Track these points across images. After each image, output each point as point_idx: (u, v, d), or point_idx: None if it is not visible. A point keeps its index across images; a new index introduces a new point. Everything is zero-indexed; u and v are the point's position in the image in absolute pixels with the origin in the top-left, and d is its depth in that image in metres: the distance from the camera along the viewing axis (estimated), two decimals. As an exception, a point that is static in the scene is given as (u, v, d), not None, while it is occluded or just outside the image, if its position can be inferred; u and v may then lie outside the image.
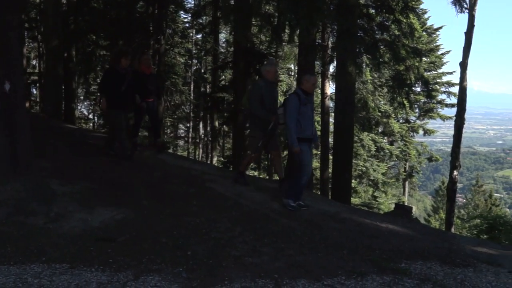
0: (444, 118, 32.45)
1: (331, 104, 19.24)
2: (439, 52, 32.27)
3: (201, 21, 24.95)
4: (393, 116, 29.52)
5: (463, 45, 15.26)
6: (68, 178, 7.75)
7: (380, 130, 29.99)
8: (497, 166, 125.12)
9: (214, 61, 23.42)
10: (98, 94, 9.76)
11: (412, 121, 33.46)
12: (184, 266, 5.19)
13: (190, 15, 24.03)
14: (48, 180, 7.52)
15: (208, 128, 27.75)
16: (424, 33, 26.61)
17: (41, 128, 10.82)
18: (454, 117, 15.91)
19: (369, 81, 23.18)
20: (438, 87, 31.85)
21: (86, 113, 30.94)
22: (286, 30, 12.67)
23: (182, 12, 24.09)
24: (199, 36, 27.16)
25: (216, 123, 24.82)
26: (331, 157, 16.77)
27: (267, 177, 22.71)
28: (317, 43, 13.86)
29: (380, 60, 12.98)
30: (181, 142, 33.67)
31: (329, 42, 16.49)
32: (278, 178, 8.85)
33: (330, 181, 15.68)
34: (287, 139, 7.60)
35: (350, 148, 13.27)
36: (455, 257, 6.26)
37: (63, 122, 13.95)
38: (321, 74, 18.18)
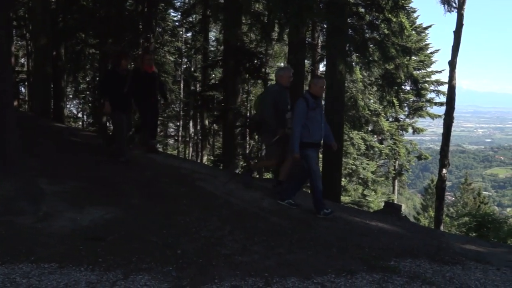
0: (433, 116, 32.63)
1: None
2: (428, 51, 32.41)
3: (190, 19, 24.94)
4: (383, 114, 29.60)
5: (452, 44, 15.34)
6: (57, 177, 7.71)
7: (369, 129, 30.06)
8: (486, 164, 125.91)
9: (204, 60, 23.41)
10: (99, 97, 9.63)
11: (401, 119, 33.59)
12: (174, 265, 5.18)
13: (179, 13, 24.00)
14: (37, 179, 7.47)
15: (198, 127, 27.71)
16: (413, 32, 26.73)
17: (30, 127, 10.74)
18: (443, 116, 15.99)
19: (359, 79, 23.24)
20: (427, 85, 32.00)
21: (75, 112, 30.79)
22: (276, 29, 12.68)
23: (171, 10, 24.05)
24: (189, 34, 27.13)
25: (206, 122, 24.80)
26: (321, 155, 16.80)
27: (257, 176, 22.71)
28: (307, 42, 13.88)
29: (370, 58, 13.02)
30: (171, 141, 33.58)
31: (319, 41, 16.52)
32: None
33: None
34: (304, 141, 7.39)
35: (340, 147, 13.29)
36: (444, 255, 6.30)
37: (52, 120, 13.85)
38: (310, 73, 18.19)
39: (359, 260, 5.80)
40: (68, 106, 27.91)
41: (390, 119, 32.85)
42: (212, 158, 26.29)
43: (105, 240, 5.70)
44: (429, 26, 32.99)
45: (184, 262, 5.28)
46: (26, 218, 6.16)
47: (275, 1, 9.61)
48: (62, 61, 17.59)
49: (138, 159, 9.62)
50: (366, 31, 13.07)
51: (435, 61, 32.90)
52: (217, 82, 22.65)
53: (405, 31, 13.59)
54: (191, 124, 29.20)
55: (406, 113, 33.41)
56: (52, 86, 15.56)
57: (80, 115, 30.90)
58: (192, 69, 28.64)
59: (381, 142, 31.70)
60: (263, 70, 19.85)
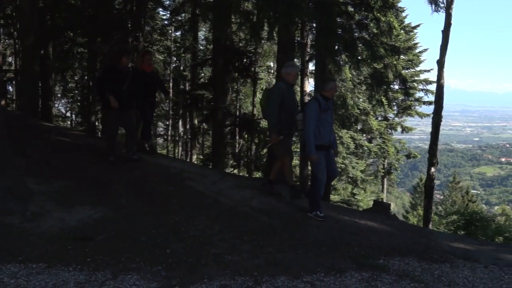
0: (422, 115, 32.79)
1: (310, 101, 19.26)
2: (417, 50, 32.56)
3: (180, 18, 24.86)
4: (372, 113, 29.70)
5: (440, 43, 15.42)
6: (45, 176, 7.67)
7: (359, 128, 30.14)
8: (474, 163, 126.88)
9: (193, 59, 23.35)
10: (99, 94, 9.43)
11: (390, 118, 33.71)
12: (163, 265, 5.17)
13: (169, 12, 23.91)
14: (25, 178, 7.43)
15: (188, 126, 27.63)
16: (402, 31, 26.82)
17: (18, 126, 10.65)
18: (432, 115, 16.07)
19: (348, 78, 23.27)
20: (416, 85, 32.16)
21: (63, 111, 30.61)
22: (265, 28, 12.66)
23: (160, 9, 24.00)
24: (178, 33, 27.07)
25: (196, 121, 24.73)
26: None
27: (247, 175, 22.71)
28: (296, 41, 13.87)
29: (359, 58, 13.04)
30: (160, 140, 33.50)
31: (308, 40, 16.52)
32: (268, 176, 8.58)
33: (310, 178, 15.70)
34: (305, 145, 7.32)
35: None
36: (432, 253, 6.34)
37: (40, 120, 13.75)
38: (300, 72, 18.19)
39: (349, 258, 5.82)
40: (56, 105, 27.72)
41: (379, 118, 32.96)
42: (201, 157, 26.25)
43: (94, 239, 5.68)
44: (418, 26, 33.17)
45: (174, 262, 5.27)
46: (14, 218, 6.12)
47: (264, 0, 9.60)
48: (50, 60, 17.48)
49: (126, 158, 9.57)
50: (355, 30, 13.10)
51: (424, 60, 33.09)
52: (206, 81, 22.58)
53: (393, 30, 13.62)
54: (180, 123, 29.13)
55: (395, 112, 33.54)
56: (40, 85, 15.45)
57: (68, 114, 30.74)
58: (181, 68, 28.57)
59: (370, 141, 31.80)
60: (253, 69, 19.81)
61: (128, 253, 5.38)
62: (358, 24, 13.11)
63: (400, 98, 31.64)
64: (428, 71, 32.95)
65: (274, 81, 22.56)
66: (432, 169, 15.40)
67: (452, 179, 40.63)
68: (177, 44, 27.00)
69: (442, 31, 15.29)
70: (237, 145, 26.24)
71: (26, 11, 12.86)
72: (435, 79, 16.22)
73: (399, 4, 27.59)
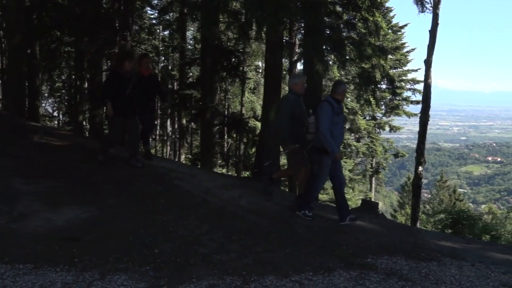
0: (409, 115, 32.98)
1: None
2: (405, 50, 32.74)
3: (168, 17, 24.79)
4: (360, 113, 29.87)
5: (427, 43, 15.51)
6: (32, 176, 7.62)
7: (347, 127, 30.27)
8: (461, 161, 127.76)
9: (181, 58, 23.29)
10: (102, 100, 9.29)
11: (378, 118, 33.89)
12: (152, 265, 5.15)
13: (156, 11, 23.82)
14: (12, 178, 7.38)
15: (176, 126, 27.58)
16: (389, 31, 26.94)
17: (4, 126, 10.58)
18: (419, 114, 16.16)
19: (336, 78, 23.35)
20: (403, 84, 32.35)
21: (50, 111, 30.42)
22: (254, 27, 12.67)
23: (148, 8, 23.93)
24: (166, 32, 27.01)
25: (184, 121, 24.69)
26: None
27: (235, 174, 22.71)
28: (284, 41, 13.90)
29: (347, 57, 13.08)
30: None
31: (297, 40, 16.56)
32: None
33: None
34: (319, 148, 7.22)
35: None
36: (420, 252, 6.39)
37: (27, 119, 13.65)
38: (288, 71, 18.23)
39: (337, 257, 5.84)
40: (43, 104, 27.55)
41: (367, 118, 33.12)
42: (190, 157, 26.21)
43: (82, 240, 5.65)
44: (405, 25, 33.35)
45: (162, 262, 5.25)
46: (0, 218, 6.08)
47: (251, 0, 9.60)
48: (37, 59, 17.35)
49: (114, 158, 9.54)
50: (343, 30, 13.14)
51: (411, 60, 33.28)
52: (194, 80, 22.56)
53: (381, 30, 13.68)
54: (168, 122, 29.07)
55: (383, 111, 33.74)
56: (26, 84, 15.34)
57: (55, 113, 30.55)
58: (170, 68, 28.50)
59: (358, 140, 31.97)
60: (241, 68, 19.84)
61: (116, 253, 5.36)
62: (346, 24, 13.15)
63: (388, 98, 31.85)
64: (416, 70, 33.18)
65: (262, 80, 22.57)
66: (420, 168, 15.49)
67: (440, 178, 40.87)
68: (165, 44, 26.94)
69: (430, 31, 15.38)
70: (225, 145, 26.23)
71: (12, 10, 12.77)
72: (422, 78, 16.32)
73: (387, 4, 27.77)
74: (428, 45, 15.47)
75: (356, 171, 32.93)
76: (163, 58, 27.70)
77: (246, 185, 9.20)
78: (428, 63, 15.47)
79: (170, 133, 28.90)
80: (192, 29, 27.37)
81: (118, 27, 16.73)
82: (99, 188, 7.60)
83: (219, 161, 24.71)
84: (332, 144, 7.03)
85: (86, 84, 21.54)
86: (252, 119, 23.78)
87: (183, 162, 22.44)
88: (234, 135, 24.09)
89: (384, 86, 28.64)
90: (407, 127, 48.13)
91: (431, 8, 14.87)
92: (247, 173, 23.87)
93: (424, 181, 20.29)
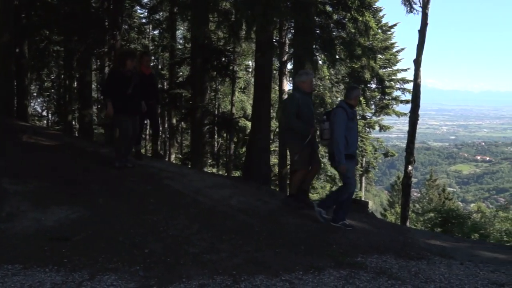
0: (399, 114, 33.09)
1: (288, 100, 19.30)
2: (394, 50, 32.86)
3: (157, 16, 24.72)
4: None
5: (416, 42, 15.57)
6: (21, 176, 7.56)
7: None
8: (450, 161, 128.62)
9: (171, 57, 23.25)
10: (102, 98, 9.12)
11: (368, 117, 33.97)
12: (141, 265, 5.14)
13: (146, 10, 23.75)
14: None
15: (166, 125, 27.50)
16: (379, 30, 27.05)
17: (-8, 125, 10.51)
18: (409, 113, 16.21)
19: (326, 77, 23.41)
20: (393, 84, 32.46)
21: (39, 110, 30.23)
22: (243, 27, 12.67)
23: (138, 7, 23.83)
24: (156, 32, 26.92)
25: (174, 120, 24.64)
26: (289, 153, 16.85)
27: (226, 174, 22.69)
28: (274, 40, 13.90)
29: (337, 57, 13.11)
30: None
31: (287, 39, 16.57)
32: (290, 191, 8.25)
33: (289, 177, 15.75)
34: (334, 154, 7.06)
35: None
36: (409, 250, 6.42)
37: (16, 119, 13.56)
38: (278, 71, 18.25)
39: (327, 256, 5.85)
40: (32, 104, 27.40)
41: (357, 117, 33.17)
42: (180, 156, 26.16)
43: (71, 240, 5.63)
44: (395, 25, 33.45)
45: (152, 262, 5.24)
46: (-11, 219, 6.03)
47: (241, 0, 9.59)
48: (25, 59, 17.21)
49: (103, 157, 9.50)
50: (333, 29, 13.17)
51: (401, 59, 33.39)
52: (184, 80, 22.51)
53: (371, 30, 13.73)
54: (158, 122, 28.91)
55: (373, 111, 33.82)
56: (15, 84, 15.22)
57: (44, 113, 30.36)
58: (160, 67, 28.42)
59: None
60: (231, 68, 19.83)
61: (106, 253, 5.34)
62: (336, 24, 13.19)
63: (378, 97, 31.96)
64: (405, 70, 33.29)
65: (252, 80, 22.59)
66: (409, 167, 15.56)
67: (429, 177, 41.07)
68: (155, 43, 26.84)
69: (419, 30, 15.44)
70: (216, 144, 26.21)
71: (0, 8, 12.67)
72: (412, 78, 16.41)
73: (377, 4, 27.88)
74: (418, 45, 15.53)
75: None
76: (153, 57, 27.59)
77: (237, 184, 9.20)
78: (417, 62, 15.53)
79: (160, 132, 28.79)
80: (182, 28, 27.32)
81: (107, 26, 16.68)
82: (89, 188, 7.55)
83: (210, 161, 24.69)
84: (341, 155, 6.91)
85: (75, 83, 21.45)
86: (242, 118, 23.80)
87: (173, 161, 22.40)
88: (224, 135, 24.08)
89: (374, 86, 28.80)
90: (396, 126, 48.33)
91: (420, 8, 14.93)
92: (238, 172, 23.88)
93: (414, 180, 20.41)
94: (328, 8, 13.44)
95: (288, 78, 18.56)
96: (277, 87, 19.62)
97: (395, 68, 32.98)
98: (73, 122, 22.62)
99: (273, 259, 5.63)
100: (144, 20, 25.77)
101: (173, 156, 25.55)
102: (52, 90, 27.46)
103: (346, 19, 13.14)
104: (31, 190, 7.10)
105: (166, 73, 26.60)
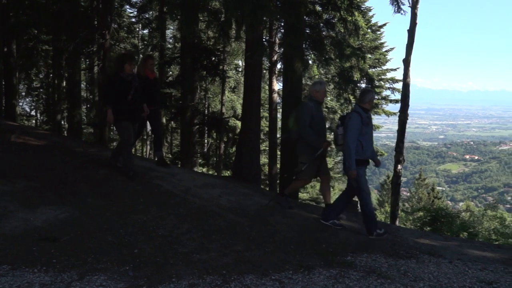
0: (388, 113, 33.14)
1: (278, 100, 19.35)
2: (384, 49, 32.91)
3: (147, 16, 24.64)
4: (340, 112, 29.94)
5: (406, 42, 15.62)
6: (8, 176, 7.50)
7: (327, 126, 30.35)
8: (439, 160, 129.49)
9: (161, 57, 23.16)
10: (102, 105, 8.88)
11: (358, 117, 34.00)
12: (131, 265, 5.12)
13: (136, 9, 23.67)
14: (-13, 179, 7.26)
15: (156, 125, 27.40)
16: (369, 30, 27.11)
17: (-20, 125, 10.43)
18: (398, 113, 16.27)
19: (316, 77, 23.44)
20: (382, 83, 32.51)
21: (28, 110, 30.04)
22: (233, 26, 12.66)
23: (127, 6, 23.74)
24: (146, 31, 26.81)
25: (164, 119, 24.58)
26: (279, 153, 16.89)
27: (215, 173, 22.68)
28: (264, 40, 13.89)
29: (326, 56, 13.13)
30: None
31: (277, 39, 16.57)
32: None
33: (279, 176, 15.79)
34: (345, 159, 7.04)
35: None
36: (398, 249, 6.45)
37: (4, 119, 13.49)
38: (268, 71, 18.26)
39: (317, 256, 5.86)
40: (20, 104, 27.19)
41: (347, 117, 33.22)
42: (170, 156, 26.10)
43: (60, 240, 5.59)
44: (384, 25, 33.52)
45: (141, 262, 5.22)
46: (-24, 220, 5.98)
47: (230, 0, 9.57)
48: (13, 58, 17.12)
49: (92, 157, 9.46)
50: (323, 29, 13.19)
51: (390, 59, 33.44)
52: (174, 79, 22.46)
53: (360, 30, 13.76)
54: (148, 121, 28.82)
55: (363, 110, 33.86)
56: (3, 83, 15.15)
57: (33, 113, 30.17)
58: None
59: (338, 139, 32.00)
60: (221, 67, 19.80)
61: (95, 253, 5.31)
62: (326, 24, 13.20)
63: (367, 97, 31.98)
64: (395, 69, 33.30)
65: (242, 79, 22.58)
66: (399, 167, 15.61)
67: (418, 176, 41.27)
68: (145, 42, 26.76)
69: (408, 30, 15.49)
70: (206, 144, 26.17)
71: (-12, 7, 12.58)
72: (401, 77, 16.43)
73: (366, 4, 27.97)
74: (407, 45, 15.58)
75: (336, 169, 33.07)
76: (142, 56, 27.51)
77: (226, 184, 9.20)
78: (406, 62, 15.59)
79: (150, 132, 28.71)
80: (172, 27, 27.26)
81: (96, 25, 16.59)
82: (77, 188, 7.52)
83: (199, 160, 24.67)
84: (352, 160, 6.83)
85: (64, 83, 21.34)
86: (232, 118, 23.79)
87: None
88: (214, 134, 24.06)
89: (363, 85, 28.82)
90: (386, 126, 48.54)
91: (408, 8, 14.98)
92: (228, 172, 23.86)
93: (403, 179, 20.48)
94: (318, 8, 13.45)
95: (277, 77, 18.58)
96: (267, 87, 19.64)
97: (384, 67, 33.02)
98: (62, 122, 22.50)
99: (263, 258, 5.63)
100: (133, 19, 25.67)
101: (163, 156, 25.49)
102: (41, 90, 27.30)
103: (336, 19, 13.15)
104: (19, 190, 7.05)
105: (156, 72, 26.47)
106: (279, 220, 7.20)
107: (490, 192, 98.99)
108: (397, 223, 15.47)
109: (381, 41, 33.07)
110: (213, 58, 17.32)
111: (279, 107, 18.62)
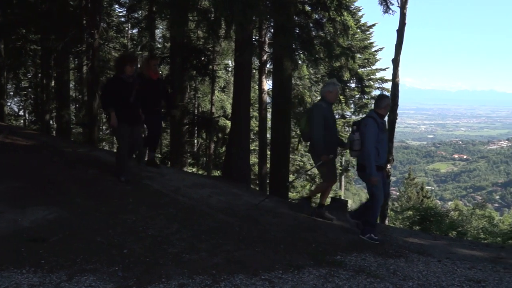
0: (378, 113, 33.28)
1: (268, 99, 19.36)
2: (373, 49, 33.06)
3: (136, 15, 24.54)
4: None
5: (395, 42, 15.70)
6: (-3, 177, 7.45)
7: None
8: (428, 159, 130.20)
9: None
10: (103, 109, 8.71)
11: (347, 116, 34.12)
12: (120, 265, 5.10)
13: (125, 9, 23.55)
14: (-25, 179, 7.20)
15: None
16: (358, 30, 27.21)
17: (-33, 125, 10.34)
18: (387, 113, 16.32)
19: (305, 77, 23.48)
20: (372, 83, 32.64)
21: (16, 110, 29.83)
22: (223, 26, 12.66)
23: (117, 5, 23.60)
24: (135, 31, 26.69)
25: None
26: (269, 152, 16.90)
27: (205, 173, 22.64)
28: (254, 39, 13.89)
29: (316, 56, 13.16)
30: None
31: (266, 38, 16.57)
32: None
33: (269, 176, 15.80)
34: (364, 166, 6.92)
35: (287, 143, 13.40)
36: (388, 248, 6.48)
37: (-8, 119, 13.39)
38: (258, 70, 18.26)
39: (306, 255, 5.87)
40: (8, 103, 26.98)
41: (337, 116, 33.32)
42: (159, 156, 26.02)
43: (48, 241, 5.56)
44: (373, 25, 33.68)
45: (131, 262, 5.20)
46: (-36, 220, 5.93)
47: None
48: (1, 57, 17.01)
49: (81, 157, 9.42)
50: (312, 29, 13.21)
51: (379, 59, 33.61)
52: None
53: (349, 30, 13.80)
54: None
55: (352, 110, 33.97)
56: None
57: (21, 113, 29.96)
58: (138, 66, 28.19)
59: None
60: (211, 67, 19.79)
61: (84, 254, 5.28)
62: (315, 24, 13.23)
63: (357, 96, 32.12)
64: (384, 69, 33.49)
65: (232, 79, 22.58)
66: (388, 166, 15.66)
67: (408, 176, 41.43)
68: (134, 42, 26.63)
69: (397, 30, 15.58)
70: (195, 144, 26.13)
71: (-25, 6, 12.47)
72: (390, 77, 16.52)
73: (356, 4, 28.05)
74: (396, 45, 15.67)
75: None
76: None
77: (216, 184, 9.19)
78: (396, 62, 15.67)
79: (147, 132, 28.61)
80: (161, 27, 27.16)
81: (85, 25, 16.50)
82: (66, 188, 7.48)
83: (189, 160, 24.61)
84: (372, 167, 6.76)
85: (53, 82, 21.19)
86: (222, 118, 23.78)
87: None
88: (204, 134, 24.01)
89: (353, 85, 28.93)
90: (375, 125, 48.62)
91: (397, 8, 15.06)
92: (218, 172, 23.84)
93: (393, 178, 20.57)
94: (307, 8, 13.47)
95: (267, 76, 18.58)
96: (256, 87, 19.63)
97: (374, 67, 33.18)
98: (51, 122, 22.33)
99: (253, 258, 5.63)
100: (122, 19, 25.54)
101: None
102: (29, 89, 27.10)
103: (325, 19, 13.19)
104: (7, 191, 7.00)
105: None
106: (269, 220, 7.21)
107: (479, 191, 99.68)
108: (386, 222, 15.54)
109: (371, 41, 33.26)
110: (203, 58, 17.31)
111: (269, 107, 18.63)
